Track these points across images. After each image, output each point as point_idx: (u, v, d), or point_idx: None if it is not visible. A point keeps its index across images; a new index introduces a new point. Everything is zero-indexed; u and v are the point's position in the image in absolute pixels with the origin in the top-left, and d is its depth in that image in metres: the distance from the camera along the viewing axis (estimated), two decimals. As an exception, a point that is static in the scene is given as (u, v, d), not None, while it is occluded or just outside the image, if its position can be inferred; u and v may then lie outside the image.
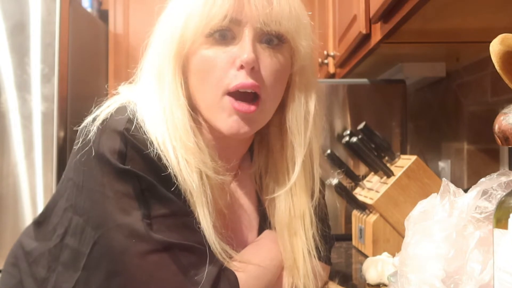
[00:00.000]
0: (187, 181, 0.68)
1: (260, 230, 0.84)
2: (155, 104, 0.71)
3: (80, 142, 0.70)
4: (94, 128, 0.68)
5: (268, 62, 0.72)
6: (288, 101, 0.78)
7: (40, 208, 2.07)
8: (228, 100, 0.70)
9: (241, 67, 0.69)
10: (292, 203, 0.79)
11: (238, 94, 0.70)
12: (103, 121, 0.69)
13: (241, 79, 0.69)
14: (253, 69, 0.70)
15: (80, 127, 0.71)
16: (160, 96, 0.72)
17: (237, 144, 0.81)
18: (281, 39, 0.72)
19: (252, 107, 0.71)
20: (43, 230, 0.76)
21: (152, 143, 0.68)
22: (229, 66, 0.70)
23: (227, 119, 0.71)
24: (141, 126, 0.69)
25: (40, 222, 0.77)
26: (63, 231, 0.70)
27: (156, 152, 0.67)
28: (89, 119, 0.71)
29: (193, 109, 0.74)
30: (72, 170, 0.71)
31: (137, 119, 0.69)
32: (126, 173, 0.66)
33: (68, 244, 0.69)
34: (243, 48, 0.69)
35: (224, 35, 0.70)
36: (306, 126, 0.77)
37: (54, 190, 2.05)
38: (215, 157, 0.73)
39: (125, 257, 0.65)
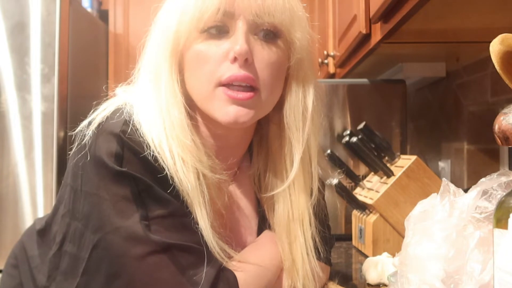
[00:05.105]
0: (184, 181, 0.68)
1: (259, 232, 0.83)
2: (151, 104, 0.71)
3: (76, 146, 0.70)
4: (90, 132, 0.68)
5: (262, 54, 0.71)
6: (286, 96, 0.76)
7: (40, 208, 2.07)
8: (222, 90, 0.70)
9: (235, 59, 0.69)
10: (291, 204, 0.78)
11: (233, 87, 0.69)
12: (99, 124, 0.69)
13: (234, 71, 0.69)
14: (247, 61, 0.69)
15: (76, 131, 0.71)
16: (157, 96, 0.72)
17: (235, 142, 0.80)
18: (276, 31, 0.72)
19: (249, 94, 0.69)
20: (46, 239, 0.76)
21: (149, 145, 0.67)
22: (223, 59, 0.70)
23: (223, 108, 0.70)
24: (137, 128, 0.68)
25: (42, 230, 0.78)
26: (61, 238, 0.70)
27: (153, 154, 0.67)
28: (84, 122, 0.71)
29: (190, 107, 0.73)
30: (70, 175, 0.71)
31: (133, 121, 0.69)
32: (122, 175, 0.66)
33: (67, 250, 0.69)
34: (236, 40, 0.69)
35: (217, 29, 0.70)
36: (304, 121, 0.76)
37: (54, 190, 2.06)
38: (212, 156, 0.73)
39: (124, 260, 0.65)
